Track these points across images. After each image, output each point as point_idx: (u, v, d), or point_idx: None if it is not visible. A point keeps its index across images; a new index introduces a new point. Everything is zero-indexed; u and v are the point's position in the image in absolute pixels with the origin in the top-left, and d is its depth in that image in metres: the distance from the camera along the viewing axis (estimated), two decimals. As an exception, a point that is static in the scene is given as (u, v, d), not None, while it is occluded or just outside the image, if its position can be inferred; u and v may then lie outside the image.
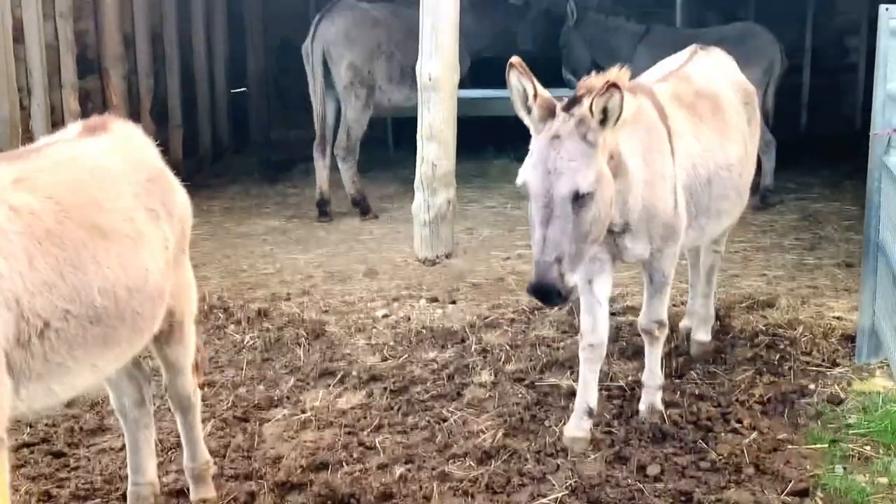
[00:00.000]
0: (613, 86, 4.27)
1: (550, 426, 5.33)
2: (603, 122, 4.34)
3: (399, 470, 4.90)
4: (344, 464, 5.00)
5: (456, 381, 5.97)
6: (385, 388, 5.89)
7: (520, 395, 5.74)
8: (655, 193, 4.85)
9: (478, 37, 11.39)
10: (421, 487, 4.73)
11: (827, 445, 5.04)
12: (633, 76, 4.88)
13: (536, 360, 6.20)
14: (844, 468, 4.80)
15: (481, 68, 11.63)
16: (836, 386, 5.70)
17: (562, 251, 4.27)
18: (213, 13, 13.83)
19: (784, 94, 11.45)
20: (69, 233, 3.39)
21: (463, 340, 6.59)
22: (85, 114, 9.02)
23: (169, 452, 5.14)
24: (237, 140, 14.63)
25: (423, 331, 6.75)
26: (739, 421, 5.30)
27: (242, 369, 6.24)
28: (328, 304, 7.43)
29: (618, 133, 4.54)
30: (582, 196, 4.28)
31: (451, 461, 5.01)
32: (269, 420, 5.56)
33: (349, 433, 5.36)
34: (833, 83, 14.48)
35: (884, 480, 4.67)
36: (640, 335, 5.53)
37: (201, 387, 4.69)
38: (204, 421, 5.19)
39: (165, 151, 4.29)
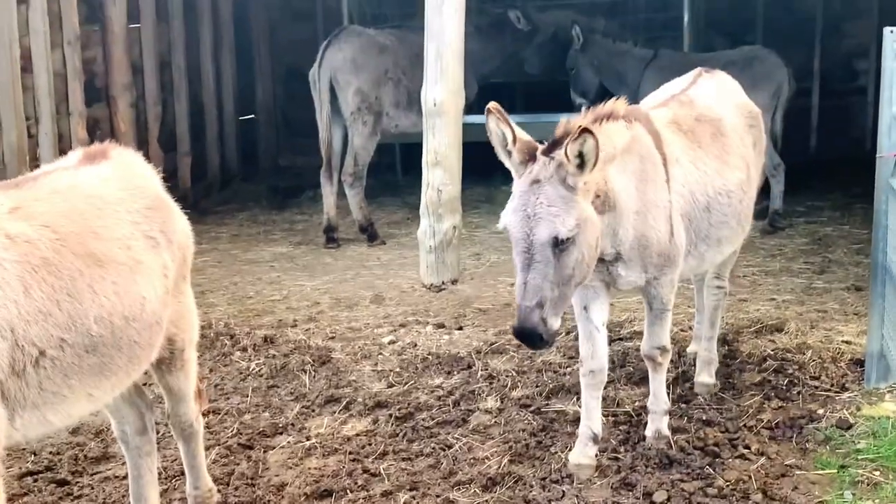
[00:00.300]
0: (586, 131, 4.22)
1: (556, 452, 5.28)
2: (580, 166, 4.31)
3: (404, 497, 4.87)
4: (348, 491, 4.97)
5: (462, 408, 5.94)
6: (390, 415, 5.86)
7: (526, 422, 5.70)
8: (648, 223, 4.82)
9: (485, 62, 11.44)
10: (425, 515, 4.70)
11: (836, 471, 4.98)
12: (639, 101, 4.84)
13: (542, 385, 6.17)
14: (853, 494, 4.75)
15: (489, 93, 11.61)
16: (844, 411, 5.63)
17: (543, 296, 4.28)
18: (220, 41, 13.88)
19: (793, 117, 11.41)
20: (65, 261, 3.39)
21: (469, 366, 6.56)
22: (93, 142, 9.03)
23: (173, 480, 5.12)
24: (245, 167, 14.66)
25: (430, 357, 6.74)
26: (747, 446, 5.24)
27: (248, 396, 6.22)
28: (334, 331, 7.42)
29: (606, 167, 4.52)
30: (562, 241, 4.27)
31: (456, 488, 4.97)
32: (274, 447, 5.54)
33: (354, 460, 5.33)
34: (842, 106, 14.41)
35: (893, 506, 4.62)
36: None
37: (204, 414, 4.67)
38: (208, 448, 5.18)
39: (174, 179, 4.30)
